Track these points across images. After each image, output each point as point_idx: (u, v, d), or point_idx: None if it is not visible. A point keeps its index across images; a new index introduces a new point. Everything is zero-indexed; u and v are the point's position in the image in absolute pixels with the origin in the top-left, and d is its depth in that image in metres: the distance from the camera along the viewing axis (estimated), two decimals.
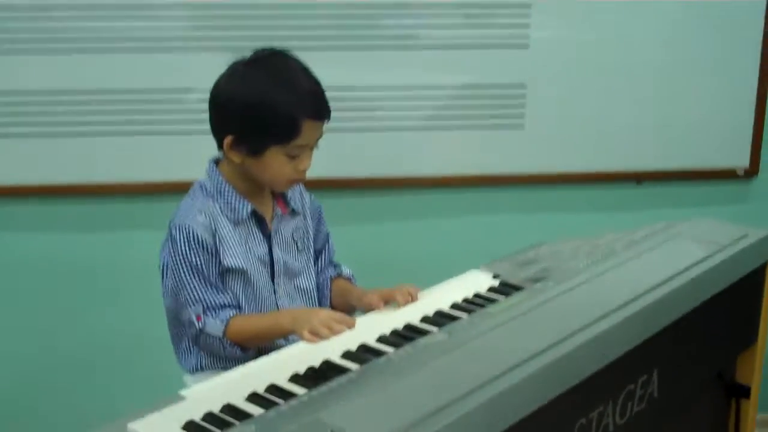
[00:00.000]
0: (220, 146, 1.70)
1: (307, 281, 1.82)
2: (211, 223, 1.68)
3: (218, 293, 1.67)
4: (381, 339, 1.51)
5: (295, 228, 1.81)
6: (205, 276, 1.66)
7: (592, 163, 2.74)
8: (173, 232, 1.67)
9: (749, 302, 1.87)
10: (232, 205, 1.71)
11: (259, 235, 1.75)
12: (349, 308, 1.81)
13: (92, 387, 2.64)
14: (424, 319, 1.59)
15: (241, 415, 1.24)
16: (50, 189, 2.50)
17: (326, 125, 1.70)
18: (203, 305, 1.66)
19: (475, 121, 2.64)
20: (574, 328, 1.39)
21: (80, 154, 2.47)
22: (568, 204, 2.77)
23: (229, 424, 1.21)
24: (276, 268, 1.76)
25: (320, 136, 1.69)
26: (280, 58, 1.70)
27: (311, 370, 1.40)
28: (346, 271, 1.90)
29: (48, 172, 2.48)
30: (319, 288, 1.87)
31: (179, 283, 1.67)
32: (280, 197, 1.79)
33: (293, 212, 1.81)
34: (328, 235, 1.91)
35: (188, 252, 1.65)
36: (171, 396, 1.30)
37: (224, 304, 1.67)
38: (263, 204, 1.76)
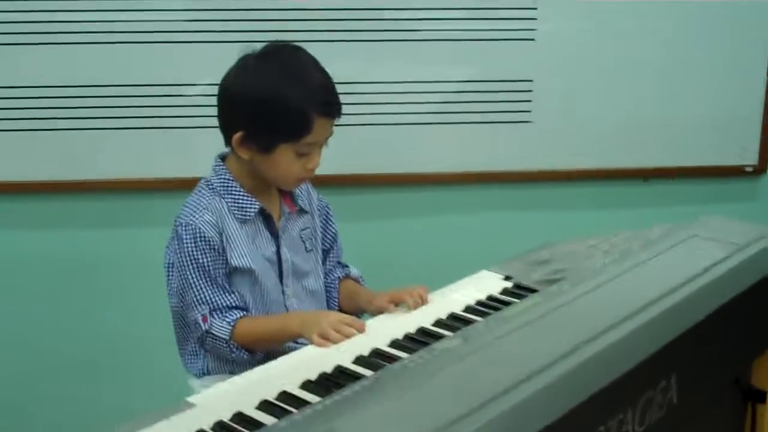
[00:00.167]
0: (228, 142, 1.66)
1: (316, 282, 1.78)
2: (218, 221, 1.64)
3: (225, 294, 1.63)
4: (394, 344, 1.47)
5: (303, 227, 1.77)
6: (211, 276, 1.62)
7: (598, 159, 2.72)
8: (179, 230, 1.63)
9: (765, 304, 1.83)
10: (240, 203, 1.66)
11: (267, 234, 1.70)
12: (358, 310, 1.77)
13: (93, 387, 2.60)
14: (438, 323, 1.55)
15: (252, 424, 1.20)
16: (49, 185, 2.46)
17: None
18: (210, 306, 1.62)
19: (481, 117, 2.61)
20: (594, 333, 1.35)
21: (80, 149, 2.44)
22: (574, 201, 2.75)
23: None
24: (284, 267, 1.72)
25: (330, 134, 1.65)
26: (292, 52, 1.66)
27: (323, 377, 1.35)
28: (354, 272, 1.86)
29: (47, 168, 2.44)
30: (326, 289, 1.82)
31: (185, 283, 1.63)
32: (288, 195, 1.75)
33: (301, 210, 1.77)
34: (336, 234, 1.86)
35: (194, 251, 1.61)
36: (179, 403, 1.25)
37: (231, 305, 1.63)
38: (271, 202, 1.72)
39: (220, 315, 1.62)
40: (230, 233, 1.64)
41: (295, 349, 1.61)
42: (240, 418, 1.22)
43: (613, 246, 1.80)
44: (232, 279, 1.66)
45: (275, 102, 1.58)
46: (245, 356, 1.62)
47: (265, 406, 1.26)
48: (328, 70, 1.67)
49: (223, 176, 1.68)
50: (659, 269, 1.65)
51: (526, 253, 1.87)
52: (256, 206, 1.67)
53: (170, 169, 2.44)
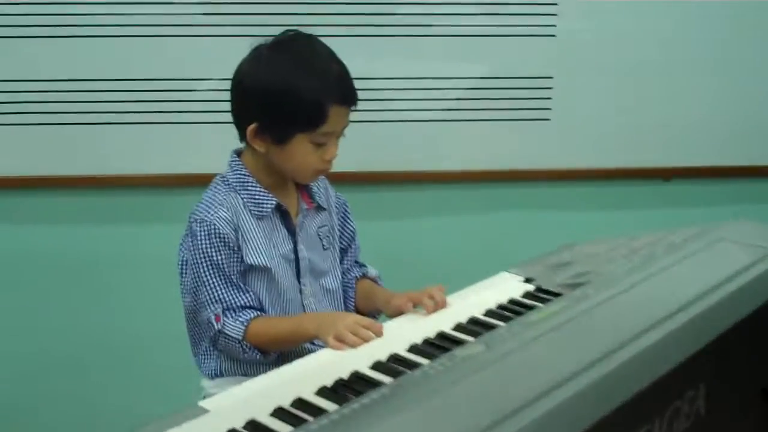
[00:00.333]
0: (242, 135, 1.62)
1: (334, 282, 1.74)
2: (233, 218, 1.60)
3: (239, 293, 1.59)
4: (413, 349, 1.42)
5: (320, 224, 1.73)
6: (226, 274, 1.58)
7: (618, 158, 2.68)
8: (194, 227, 1.59)
9: None
10: (256, 199, 1.62)
11: (284, 231, 1.66)
12: (375, 311, 1.73)
13: (94, 387, 2.56)
14: (458, 328, 1.50)
15: None
16: (53, 180, 2.42)
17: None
18: (223, 305, 1.58)
19: (499, 114, 2.57)
20: (621, 341, 1.30)
21: (83, 144, 2.40)
22: (593, 201, 2.72)
23: None
24: (302, 266, 1.67)
25: (347, 123, 1.61)
26: (305, 40, 1.62)
27: (340, 383, 1.30)
28: (372, 271, 1.82)
29: (50, 163, 2.40)
30: (343, 289, 1.78)
31: (199, 281, 1.59)
32: (305, 191, 1.71)
33: (319, 207, 1.73)
34: (354, 232, 1.82)
35: (209, 248, 1.57)
36: (191, 408, 1.21)
37: (245, 304, 1.59)
38: (288, 198, 1.68)
39: (234, 314, 1.58)
40: (246, 230, 1.60)
41: (310, 350, 1.57)
42: (254, 425, 1.18)
43: (635, 249, 1.75)
44: (248, 277, 1.62)
45: (290, 92, 1.54)
46: (258, 356, 1.58)
47: (279, 413, 1.21)
48: None
49: (239, 172, 1.64)
50: (685, 275, 1.61)
51: (546, 255, 1.82)
52: (273, 201, 1.63)
53: (179, 165, 2.41)
